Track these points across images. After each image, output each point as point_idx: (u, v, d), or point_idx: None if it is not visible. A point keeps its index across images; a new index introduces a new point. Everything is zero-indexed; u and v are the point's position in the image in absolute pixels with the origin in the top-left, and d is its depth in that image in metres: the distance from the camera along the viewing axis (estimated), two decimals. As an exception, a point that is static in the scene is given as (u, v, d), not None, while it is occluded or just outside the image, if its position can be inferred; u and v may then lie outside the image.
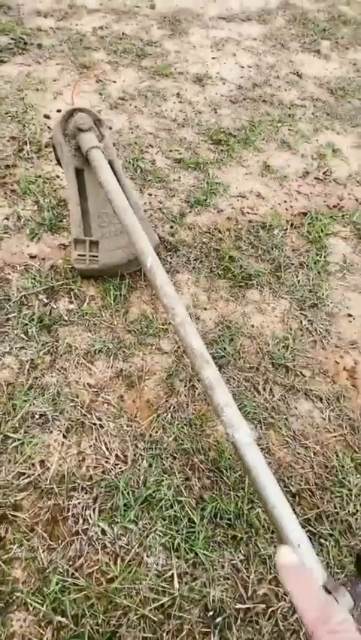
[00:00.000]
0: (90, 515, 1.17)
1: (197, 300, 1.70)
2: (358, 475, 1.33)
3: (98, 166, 1.37)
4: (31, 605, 1.01)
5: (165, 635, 1.01)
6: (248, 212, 2.11)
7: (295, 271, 1.86)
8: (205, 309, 1.69)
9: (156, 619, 1.03)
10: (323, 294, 1.79)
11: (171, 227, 1.96)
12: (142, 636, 1.01)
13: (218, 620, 1.04)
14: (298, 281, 1.82)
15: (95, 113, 1.48)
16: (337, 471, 1.33)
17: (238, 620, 1.05)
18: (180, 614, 1.04)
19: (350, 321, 1.75)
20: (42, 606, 1.00)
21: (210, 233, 1.96)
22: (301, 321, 1.70)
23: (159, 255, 1.77)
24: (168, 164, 2.28)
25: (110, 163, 1.47)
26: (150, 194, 2.11)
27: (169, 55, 3.05)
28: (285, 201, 2.20)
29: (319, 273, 1.87)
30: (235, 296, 1.74)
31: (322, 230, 2.04)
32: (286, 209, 2.16)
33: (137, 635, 1.00)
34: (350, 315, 1.77)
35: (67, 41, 2.99)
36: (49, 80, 2.63)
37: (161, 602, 1.05)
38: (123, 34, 3.20)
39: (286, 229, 2.03)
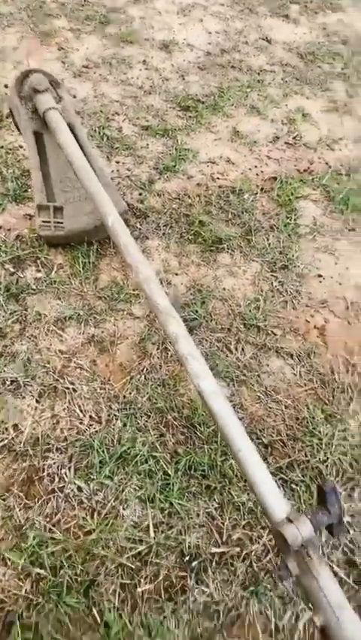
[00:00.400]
0: (66, 474, 1.18)
1: (168, 266, 1.70)
2: (328, 426, 1.37)
3: (57, 128, 1.34)
4: (9, 559, 1.03)
5: (142, 580, 1.05)
6: (218, 178, 2.10)
7: (265, 234, 1.87)
8: (177, 274, 1.69)
9: (133, 566, 1.06)
10: (293, 256, 1.81)
11: (140, 194, 1.94)
12: (120, 582, 1.04)
13: (194, 564, 1.08)
14: (269, 244, 1.84)
15: (50, 74, 1.44)
16: (308, 422, 1.37)
17: (214, 564, 1.08)
18: (157, 561, 1.07)
19: (320, 282, 1.78)
20: (20, 560, 1.02)
21: (179, 199, 1.94)
22: (272, 283, 1.72)
23: (128, 222, 1.76)
24: (135, 131, 2.24)
25: (70, 126, 1.43)
26: (118, 162, 2.08)
27: (134, 22, 2.96)
28: (255, 166, 2.19)
29: (289, 235, 1.88)
30: (206, 260, 1.74)
31: (292, 194, 2.04)
32: (257, 174, 2.15)
33: (114, 582, 1.03)
34: (320, 276, 1.79)
35: (26, 9, 2.87)
36: (8, 48, 2.53)
37: (138, 551, 1.08)
38: (85, 0, 3.08)
39: (257, 193, 2.03)
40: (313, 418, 1.38)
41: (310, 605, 0.77)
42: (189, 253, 1.75)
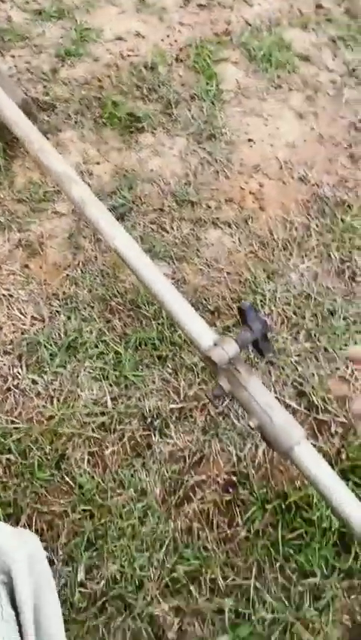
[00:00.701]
0: (18, 372, 1.19)
1: (87, 156, 1.59)
2: (271, 283, 1.39)
3: None
4: (-25, 454, 1.06)
5: (109, 445, 1.11)
6: (128, 55, 1.90)
7: (186, 106, 1.74)
8: (98, 163, 1.59)
9: (99, 436, 1.12)
10: (219, 124, 1.70)
11: (44, 86, 1.75)
12: (88, 451, 1.09)
13: (156, 422, 1.13)
14: (192, 115, 1.71)
15: None
16: (250, 283, 1.39)
17: (174, 418, 1.15)
18: (121, 427, 1.13)
19: (251, 146, 1.70)
20: (-15, 451, 1.06)
21: (88, 84, 1.76)
22: (200, 155, 1.64)
23: (32, 117, 1.60)
24: (27, 18, 1.97)
25: None
26: (14, 56, 1.84)
27: None
28: (167, 36, 1.98)
29: (212, 102, 1.76)
30: (127, 143, 1.63)
31: (209, 58, 1.87)
32: (170, 44, 1.95)
33: (83, 452, 1.09)
34: (250, 140, 1.71)
35: None
36: None
37: (101, 422, 1.13)
38: None
39: (171, 64, 1.85)
40: (256, 278, 1.39)
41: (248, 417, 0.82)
42: (108, 138, 1.63)
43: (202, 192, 1.56)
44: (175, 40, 1.96)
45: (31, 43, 1.88)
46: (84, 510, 1.02)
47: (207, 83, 1.80)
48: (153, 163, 1.60)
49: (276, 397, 1.19)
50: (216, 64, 1.87)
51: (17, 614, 0.46)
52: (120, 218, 1.47)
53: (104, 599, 0.94)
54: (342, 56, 1.97)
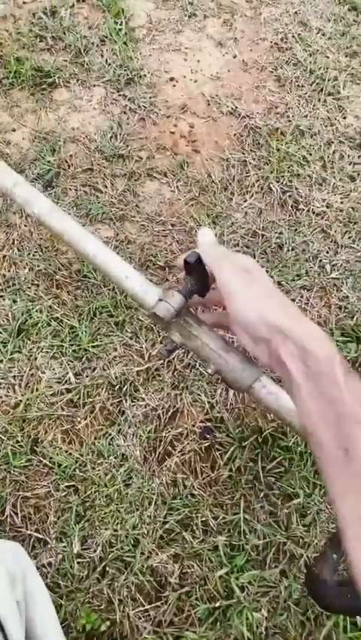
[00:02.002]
0: (-27, 366, 1.14)
1: (0, 124, 1.46)
2: (217, 227, 1.35)
3: None
4: None
5: (81, 420, 1.10)
6: (25, 2, 1.71)
7: (98, 51, 1.60)
8: (13, 129, 1.46)
9: (69, 413, 1.10)
10: (136, 66, 1.58)
11: None
12: (60, 430, 1.08)
13: (125, 388, 1.13)
14: (106, 60, 1.58)
15: None
16: (196, 230, 1.35)
17: (142, 380, 1.14)
18: (90, 400, 1.11)
19: (174, 85, 1.59)
20: None
21: (-15, 41, 1.59)
22: (122, 104, 1.53)
23: None
24: None
25: None
26: None
27: None
28: (63, -27, 1.78)
29: (125, 43, 1.62)
30: (41, 103, 1.50)
31: (113, -8, 1.71)
32: (68, -19, 1.76)
33: (55, 432, 1.08)
34: (172, 79, 1.60)
35: None
36: None
37: (68, 398, 1.11)
38: None
39: (73, 5, 1.68)
40: (200, 225, 1.35)
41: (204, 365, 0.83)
42: (19, 101, 1.49)
43: (131, 143, 1.47)
44: (72, -23, 1.78)
45: None
46: (68, 487, 1.02)
47: (116, 22, 1.65)
48: (74, 120, 1.49)
49: (231, 340, 1.19)
50: (121, -2, 1.71)
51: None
52: (48, 185, 1.38)
53: (103, 563, 0.97)
54: (255, -30, 1.84)
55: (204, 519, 1.01)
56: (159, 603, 0.95)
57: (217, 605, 0.94)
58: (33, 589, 0.53)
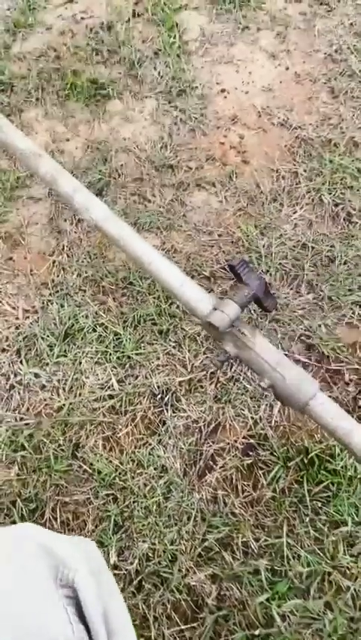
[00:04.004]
0: (19, 368, 1.16)
1: (55, 133, 1.51)
2: (264, 238, 1.33)
3: None
4: (-11, 455, 1.05)
5: (122, 427, 1.09)
6: (83, 18, 1.77)
7: (151, 63, 1.63)
8: (67, 139, 1.50)
9: (110, 420, 1.10)
10: (188, 78, 1.60)
11: (-2, 65, 1.64)
12: (102, 437, 1.08)
13: (167, 397, 1.11)
14: (159, 73, 1.61)
15: None
16: (243, 241, 1.33)
17: (184, 391, 1.12)
18: (132, 408, 1.11)
19: (225, 97, 1.60)
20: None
21: (44, 55, 1.65)
22: (173, 115, 1.54)
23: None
24: (-32, -8, 1.83)
25: None
26: None
27: None
28: (120, -10, 1.84)
29: (178, 56, 1.64)
30: (94, 114, 1.54)
31: (168, 7, 1.74)
32: (124, -2, 1.81)
33: (97, 438, 1.07)
34: (223, 91, 1.60)
35: None
36: None
37: (110, 405, 1.11)
38: None
39: (129, 20, 1.73)
40: (248, 235, 1.33)
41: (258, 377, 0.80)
42: (74, 111, 1.54)
43: (181, 154, 1.48)
44: (129, -6, 1.83)
45: (-24, 21, 1.76)
46: (107, 495, 1.01)
47: (170, 35, 1.68)
48: (126, 130, 1.52)
49: (285, 354, 1.16)
50: (176, 12, 1.74)
51: (88, 630, 0.44)
52: (99, 194, 1.40)
53: (139, 577, 0.95)
54: (309, -17, 1.83)
55: (244, 540, 0.97)
56: (195, 624, 0.92)
57: (257, 632, 0.89)
58: (108, 581, 0.51)
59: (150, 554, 0.96)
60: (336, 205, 1.36)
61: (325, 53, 1.65)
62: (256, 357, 0.75)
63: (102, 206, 0.87)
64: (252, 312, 1.19)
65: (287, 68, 1.64)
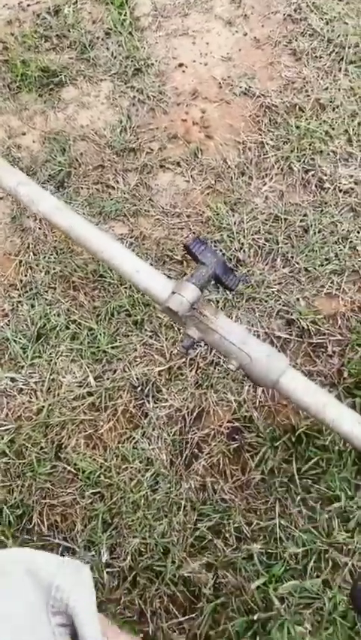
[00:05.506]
0: (-6, 374, 1.13)
1: (10, 128, 1.45)
2: (235, 214, 1.28)
3: None
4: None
5: (103, 424, 1.06)
6: (29, 5, 1.69)
7: (103, 44, 1.56)
8: (24, 133, 1.45)
9: (91, 417, 1.07)
10: (143, 55, 1.53)
11: None
12: (84, 435, 1.05)
13: (147, 389, 1.08)
14: (112, 53, 1.54)
15: None
16: (214, 220, 1.28)
17: (164, 380, 1.09)
18: (112, 403, 1.08)
19: (184, 71, 1.53)
20: (-21, 461, 1.02)
21: (-8, 47, 1.58)
22: (131, 95, 1.48)
23: None
24: None
25: None
26: None
27: None
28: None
29: (130, 34, 1.57)
30: (49, 103, 1.48)
31: (116, -17, 1.66)
32: (70, -22, 1.73)
33: (78, 437, 1.05)
34: (181, 65, 1.53)
35: None
36: None
37: (90, 402, 1.08)
38: None
39: (77, 1, 1.65)
40: (218, 213, 1.28)
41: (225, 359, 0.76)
42: (27, 103, 1.48)
43: (142, 135, 1.42)
44: (75, -26, 1.74)
45: None
46: (93, 493, 0.99)
47: (120, 13, 1.60)
48: (83, 117, 1.46)
49: (265, 334, 1.12)
50: (125, -12, 1.66)
51: None
52: (60, 185, 1.35)
53: (133, 573, 0.93)
54: None
55: (236, 525, 0.94)
56: (193, 615, 0.90)
57: (255, 617, 0.87)
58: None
59: (142, 549, 0.95)
60: (306, 172, 1.31)
61: (283, 14, 1.58)
62: (220, 339, 0.71)
63: (49, 198, 0.83)
64: (226, 293, 1.15)
65: (245, 34, 1.56)
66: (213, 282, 0.75)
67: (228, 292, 1.12)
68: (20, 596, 0.43)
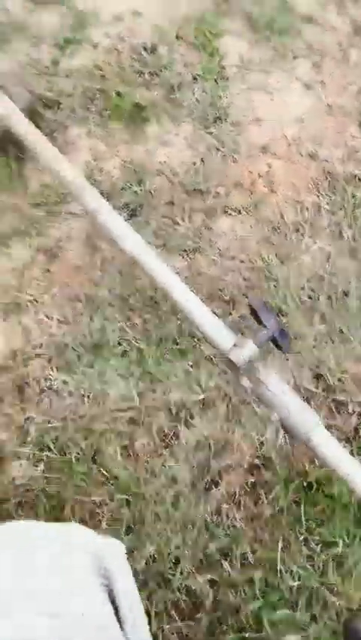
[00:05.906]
0: (50, 374, 1.27)
1: (96, 152, 1.60)
2: (283, 267, 1.41)
3: None
4: (18, 453, 1.17)
5: (139, 438, 1.19)
6: (127, 37, 1.85)
7: (189, 88, 1.70)
8: (107, 159, 1.60)
9: (128, 430, 1.20)
10: (224, 104, 1.67)
11: (47, 80, 1.74)
12: (120, 445, 1.18)
13: (181, 413, 1.21)
14: (196, 98, 1.68)
15: None
16: (263, 270, 1.41)
17: (198, 409, 1.22)
18: (149, 420, 1.21)
19: (260, 125, 1.66)
20: (28, 450, 1.16)
21: (89, 73, 1.74)
22: (207, 141, 1.62)
23: (39, 116, 1.60)
24: (22, 6, 1.93)
25: None
26: (16, 49, 1.83)
27: None
28: (166, 11, 1.91)
29: (216, 81, 1.71)
30: (134, 135, 1.63)
31: (210, 32, 1.80)
32: (169, 20, 1.88)
33: (115, 446, 1.18)
34: (257, 119, 1.67)
35: None
36: None
37: (130, 416, 1.21)
38: None
39: (172, 42, 1.80)
40: (268, 264, 1.41)
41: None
42: (115, 132, 1.63)
43: (211, 180, 1.55)
44: (174, 15, 1.90)
45: (28, 33, 1.86)
46: (121, 499, 1.12)
47: (210, 60, 1.75)
48: (161, 153, 1.60)
49: (295, 384, 1.24)
50: (217, 37, 1.81)
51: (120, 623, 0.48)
52: (132, 214, 1.49)
53: (145, 576, 1.05)
54: (347, 12, 1.87)
55: (243, 551, 1.06)
56: (192, 623, 1.02)
57: (247, 635, 0.99)
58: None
59: (156, 556, 1.07)
60: (355, 240, 1.43)
61: (359, 87, 1.70)
62: (267, 392, 0.84)
63: (136, 237, 0.96)
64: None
65: (320, 100, 1.69)
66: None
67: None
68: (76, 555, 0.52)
